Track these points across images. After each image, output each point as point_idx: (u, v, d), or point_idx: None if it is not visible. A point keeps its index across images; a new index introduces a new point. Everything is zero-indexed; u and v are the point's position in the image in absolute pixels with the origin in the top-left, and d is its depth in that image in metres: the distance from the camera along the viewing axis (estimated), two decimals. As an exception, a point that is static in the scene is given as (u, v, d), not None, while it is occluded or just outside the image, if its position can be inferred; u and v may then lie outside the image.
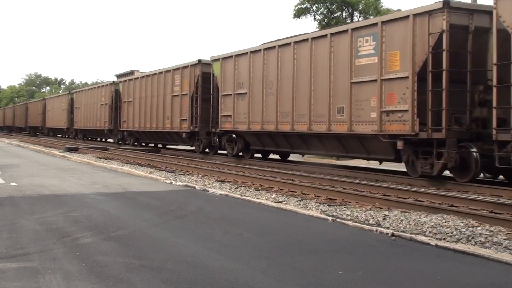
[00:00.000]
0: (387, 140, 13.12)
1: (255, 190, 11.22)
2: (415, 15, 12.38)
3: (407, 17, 12.62)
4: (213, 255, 5.74)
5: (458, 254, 5.93)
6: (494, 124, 10.71)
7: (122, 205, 9.44)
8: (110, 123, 32.71)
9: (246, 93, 18.69)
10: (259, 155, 20.68)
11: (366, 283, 4.83)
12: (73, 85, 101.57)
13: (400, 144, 12.66)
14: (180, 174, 14.59)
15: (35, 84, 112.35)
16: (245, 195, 10.48)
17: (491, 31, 11.38)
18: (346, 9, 32.43)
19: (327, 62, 14.96)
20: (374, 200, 9.37)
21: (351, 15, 32.39)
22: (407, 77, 12.48)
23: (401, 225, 7.39)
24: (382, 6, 32.77)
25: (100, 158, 20.65)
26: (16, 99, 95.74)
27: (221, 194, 10.77)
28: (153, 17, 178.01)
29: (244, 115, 18.86)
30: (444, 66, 11.71)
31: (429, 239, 6.52)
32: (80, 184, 12.19)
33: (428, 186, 11.86)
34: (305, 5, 32.37)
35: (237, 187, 11.68)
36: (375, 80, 13.34)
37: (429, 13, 12.08)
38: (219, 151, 22.01)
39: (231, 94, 19.62)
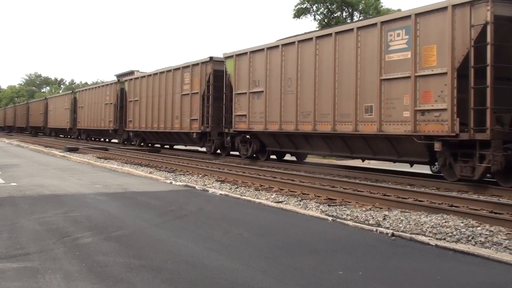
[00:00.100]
0: (422, 141, 12.20)
1: (255, 190, 11.22)
2: (454, 6, 11.47)
3: (444, 8, 11.67)
4: (213, 255, 5.74)
5: (458, 254, 5.93)
6: None
7: (122, 205, 9.44)
8: (115, 123, 31.85)
9: (262, 91, 17.82)
10: (274, 157, 19.88)
11: (366, 283, 4.83)
12: (73, 85, 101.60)
13: (438, 146, 11.71)
14: (180, 174, 14.59)
15: (35, 84, 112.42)
16: (245, 195, 10.48)
17: None
18: (346, 9, 32.48)
19: (353, 58, 14.07)
20: (374, 200, 9.37)
21: (351, 15, 32.43)
22: (445, 73, 11.57)
23: (401, 225, 7.39)
24: (382, 6, 32.83)
25: (100, 158, 20.65)
26: (16, 99, 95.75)
27: (221, 194, 10.77)
28: (152, 17, 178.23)
29: (260, 114, 17.96)
30: (488, 61, 10.80)
31: (429, 239, 6.52)
32: (80, 184, 12.19)
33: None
34: (305, 5, 32.43)
35: (237, 187, 11.68)
36: (408, 77, 12.44)
37: (471, 3, 11.18)
38: (231, 152, 21.21)
39: (246, 93, 18.69)
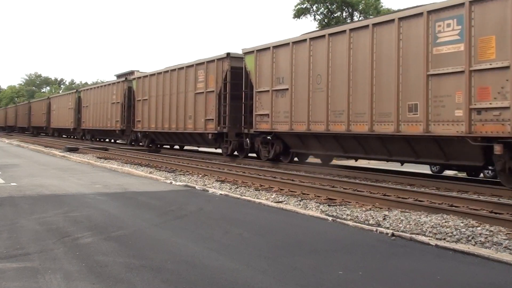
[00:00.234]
0: (478, 143, 11.06)
1: (255, 190, 11.22)
2: None
3: None
4: (213, 255, 5.74)
5: (458, 254, 5.93)
6: None
7: (122, 205, 9.44)
8: (122, 123, 30.38)
9: (287, 89, 16.57)
10: (296, 159, 18.62)
11: (366, 283, 4.83)
12: (73, 85, 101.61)
13: (498, 149, 10.50)
14: (180, 174, 14.59)
15: (35, 84, 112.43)
16: (245, 195, 10.49)
17: None
18: (346, 9, 32.53)
19: (394, 51, 12.90)
20: (374, 200, 9.36)
21: (351, 15, 32.49)
22: (507, 68, 10.41)
23: (401, 225, 7.39)
24: (382, 6, 32.87)
25: (100, 158, 20.65)
26: (16, 99, 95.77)
27: (221, 194, 10.77)
28: (152, 17, 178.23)
29: (285, 114, 16.71)
30: None
31: (429, 239, 6.52)
32: (80, 184, 12.19)
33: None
34: (305, 5, 32.49)
35: (237, 187, 11.69)
36: (462, 72, 11.25)
37: None
38: (249, 154, 20.06)
39: (268, 91, 17.44)
